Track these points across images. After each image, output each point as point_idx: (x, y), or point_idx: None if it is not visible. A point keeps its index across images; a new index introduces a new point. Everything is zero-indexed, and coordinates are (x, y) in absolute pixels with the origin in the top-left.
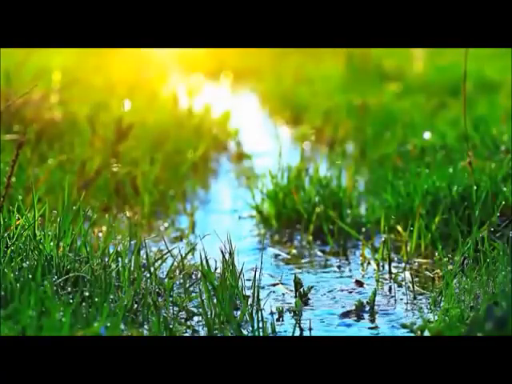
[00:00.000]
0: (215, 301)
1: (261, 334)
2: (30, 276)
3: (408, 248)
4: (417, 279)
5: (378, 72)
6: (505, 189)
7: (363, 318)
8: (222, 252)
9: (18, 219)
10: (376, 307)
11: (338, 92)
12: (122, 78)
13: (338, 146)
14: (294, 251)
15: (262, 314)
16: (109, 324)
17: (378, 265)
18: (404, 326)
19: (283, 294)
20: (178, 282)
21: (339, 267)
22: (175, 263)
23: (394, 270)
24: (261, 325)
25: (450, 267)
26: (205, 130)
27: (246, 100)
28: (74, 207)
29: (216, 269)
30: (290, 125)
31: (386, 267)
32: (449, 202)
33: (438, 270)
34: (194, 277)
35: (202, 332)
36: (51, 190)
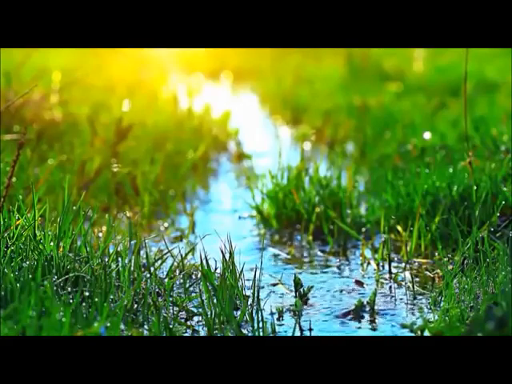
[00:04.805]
0: (215, 301)
1: (261, 334)
2: (30, 276)
3: (408, 248)
4: (417, 279)
5: (378, 72)
6: (505, 189)
7: (363, 318)
8: (222, 252)
9: (18, 219)
10: (376, 307)
11: (338, 92)
12: (122, 78)
13: (338, 146)
14: (294, 251)
15: (262, 313)
16: (109, 324)
17: (377, 265)
18: (404, 326)
19: (283, 294)
20: (178, 282)
21: (339, 267)
22: (175, 263)
23: (394, 270)
24: (261, 325)
25: (450, 267)
26: (205, 130)
27: (246, 100)
28: (74, 207)
29: (216, 269)
30: (290, 125)
31: (386, 267)
32: (449, 202)
33: (438, 270)
34: (193, 277)
35: (202, 332)
36: (51, 190)
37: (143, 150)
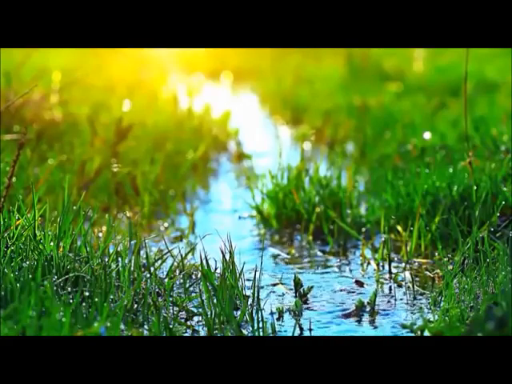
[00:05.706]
0: (215, 301)
1: (261, 334)
2: (30, 276)
3: (408, 248)
4: (417, 279)
5: (378, 72)
6: (505, 189)
7: (363, 318)
8: (222, 252)
9: (18, 219)
10: (376, 307)
11: (338, 92)
12: (122, 78)
13: (338, 146)
14: (294, 251)
15: (262, 313)
16: (109, 324)
17: (377, 265)
18: (404, 326)
19: (283, 294)
20: (178, 282)
21: (339, 267)
22: (175, 263)
23: (394, 270)
24: (261, 325)
25: (450, 267)
26: (205, 130)
27: (246, 100)
28: (74, 207)
29: (216, 269)
30: (290, 125)
31: (386, 267)
32: (449, 202)
33: (438, 270)
34: (194, 277)
35: (202, 332)
36: (51, 190)
37: (143, 150)
